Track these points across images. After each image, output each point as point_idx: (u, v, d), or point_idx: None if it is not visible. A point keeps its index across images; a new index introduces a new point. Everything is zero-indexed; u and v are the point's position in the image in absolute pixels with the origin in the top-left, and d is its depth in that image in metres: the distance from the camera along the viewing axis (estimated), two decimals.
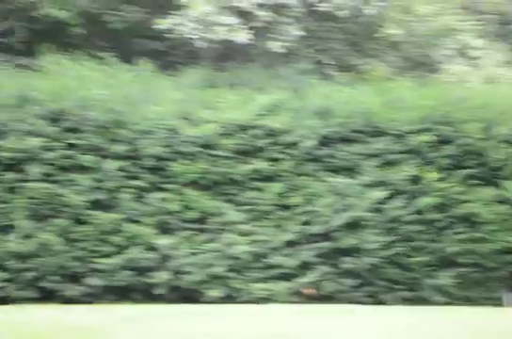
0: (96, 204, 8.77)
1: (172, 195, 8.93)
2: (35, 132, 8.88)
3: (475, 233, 9.17)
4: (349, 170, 9.33)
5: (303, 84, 10.21)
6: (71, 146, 8.92)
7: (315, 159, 9.36)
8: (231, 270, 8.81)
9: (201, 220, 8.95)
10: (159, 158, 9.04)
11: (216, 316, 7.55)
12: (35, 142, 8.79)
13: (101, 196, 8.81)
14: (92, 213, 8.70)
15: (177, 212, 8.89)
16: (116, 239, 8.68)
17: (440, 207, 9.15)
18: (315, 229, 9.05)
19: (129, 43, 11.98)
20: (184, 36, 10.83)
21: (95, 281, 8.56)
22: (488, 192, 9.26)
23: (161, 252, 8.70)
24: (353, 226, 9.08)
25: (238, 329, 6.73)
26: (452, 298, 9.09)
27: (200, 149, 9.14)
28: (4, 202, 8.61)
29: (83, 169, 8.87)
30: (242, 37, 10.82)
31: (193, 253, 8.74)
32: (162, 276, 8.62)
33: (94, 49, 11.25)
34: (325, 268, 8.97)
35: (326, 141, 9.42)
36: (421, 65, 12.15)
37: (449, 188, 9.15)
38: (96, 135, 8.99)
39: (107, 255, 8.62)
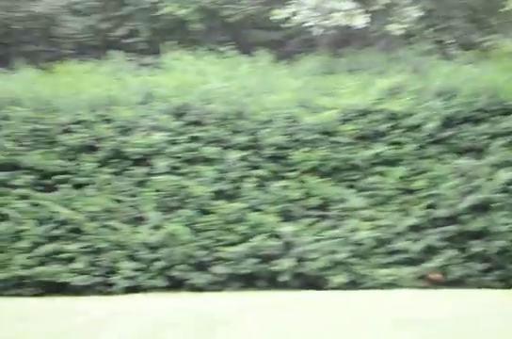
0: (220, 194, 8.95)
1: (293, 183, 8.97)
2: (160, 127, 9.15)
3: None
4: (475, 151, 9.06)
5: (424, 65, 9.98)
6: (194, 139, 9.13)
7: (439, 141, 9.15)
8: (354, 256, 8.75)
9: (323, 207, 8.95)
10: (279, 147, 9.10)
11: (341, 303, 7.53)
12: (160, 137, 9.05)
13: (224, 186, 8.97)
14: (217, 203, 8.88)
15: (299, 199, 8.93)
16: (240, 228, 8.81)
17: None
18: (441, 212, 8.83)
19: (246, 35, 12.12)
20: (301, 24, 10.81)
21: (221, 269, 8.72)
22: None
23: (284, 240, 8.76)
24: (481, 208, 8.79)
25: (362, 316, 6.68)
26: None
27: (320, 136, 9.13)
28: (133, 196, 8.95)
29: (206, 160, 9.07)
30: (360, 21, 10.66)
31: (316, 240, 8.74)
32: (286, 263, 8.67)
33: (213, 43, 11.50)
34: (451, 252, 8.75)
35: (449, 122, 9.17)
36: None
37: None
38: (218, 127, 9.15)
39: (232, 244, 8.77)
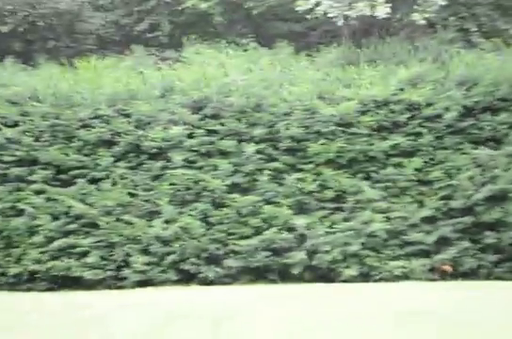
0: (235, 188, 8.94)
1: (309, 175, 8.93)
2: (178, 120, 9.19)
3: None
4: (494, 141, 8.91)
5: (446, 54, 9.83)
6: (211, 132, 9.13)
7: (457, 131, 9.02)
8: (367, 248, 8.69)
9: (338, 199, 8.89)
10: (297, 139, 9.06)
11: (351, 295, 7.51)
12: (177, 130, 9.09)
13: (239, 179, 8.97)
14: (231, 196, 8.87)
15: (314, 192, 8.88)
16: (253, 221, 8.79)
17: None
18: (456, 203, 8.72)
19: (268, 27, 12.11)
20: (324, 15, 10.75)
21: (233, 262, 8.72)
22: None
23: (297, 232, 8.73)
24: (496, 199, 8.65)
25: (372, 307, 6.65)
26: None
27: (338, 127, 9.06)
28: (149, 190, 8.99)
29: (223, 153, 9.07)
30: (382, 11, 10.55)
31: (329, 232, 8.69)
32: (298, 256, 8.64)
33: (235, 36, 11.52)
34: (464, 244, 8.64)
35: (469, 112, 9.04)
36: None
37: None
38: (236, 120, 9.14)
39: (245, 237, 8.76)
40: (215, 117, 9.23)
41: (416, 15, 10.62)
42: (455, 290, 7.67)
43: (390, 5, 10.37)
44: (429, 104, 9.08)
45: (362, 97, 9.14)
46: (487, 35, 11.01)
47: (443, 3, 10.66)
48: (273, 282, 8.66)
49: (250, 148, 9.03)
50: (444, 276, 8.57)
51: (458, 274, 8.61)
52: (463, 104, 9.02)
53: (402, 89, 9.20)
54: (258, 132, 9.09)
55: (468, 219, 8.69)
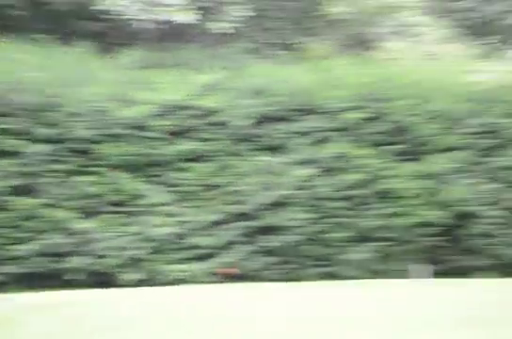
0: (18, 190, 8.56)
1: (98, 178, 8.77)
2: None
3: (394, 208, 9.13)
4: (280, 149, 9.24)
5: (242, 63, 10.10)
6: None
7: (247, 139, 9.26)
8: (151, 252, 8.67)
9: (126, 203, 8.80)
10: (87, 141, 8.87)
11: (131, 300, 7.45)
12: None
13: (24, 181, 8.62)
14: (13, 199, 8.49)
15: (102, 195, 8.73)
16: (34, 225, 8.47)
17: (365, 183, 9.12)
18: (241, 208, 8.95)
19: (70, 25, 11.77)
20: (122, 17, 10.71)
21: (9, 268, 8.33)
22: (413, 167, 9.26)
23: (80, 237, 8.53)
24: (278, 204, 9.00)
25: (149, 311, 6.64)
26: (367, 272, 9.01)
27: (131, 130, 8.99)
28: None
29: (6, 154, 8.66)
30: (186, 17, 10.69)
31: (113, 237, 8.58)
32: (80, 261, 8.45)
33: (35, 32, 11.07)
34: (246, 247, 8.88)
35: (259, 120, 9.32)
36: (361, 43, 12.03)
37: (375, 164, 9.13)
38: (25, 118, 8.79)
39: (24, 241, 8.41)
40: (4, 115, 8.83)
41: (220, 24, 10.87)
42: (235, 291, 7.90)
43: (196, 12, 10.54)
44: (222, 111, 9.26)
45: (158, 101, 9.16)
46: (284, 48, 11.46)
47: (242, 14, 10.99)
48: (53, 288, 8.34)
49: (37, 148, 8.73)
50: (229, 279, 8.73)
51: (242, 276, 8.79)
52: (254, 113, 9.27)
53: (198, 95, 9.33)
54: (47, 132, 8.82)
55: (251, 224, 8.93)
